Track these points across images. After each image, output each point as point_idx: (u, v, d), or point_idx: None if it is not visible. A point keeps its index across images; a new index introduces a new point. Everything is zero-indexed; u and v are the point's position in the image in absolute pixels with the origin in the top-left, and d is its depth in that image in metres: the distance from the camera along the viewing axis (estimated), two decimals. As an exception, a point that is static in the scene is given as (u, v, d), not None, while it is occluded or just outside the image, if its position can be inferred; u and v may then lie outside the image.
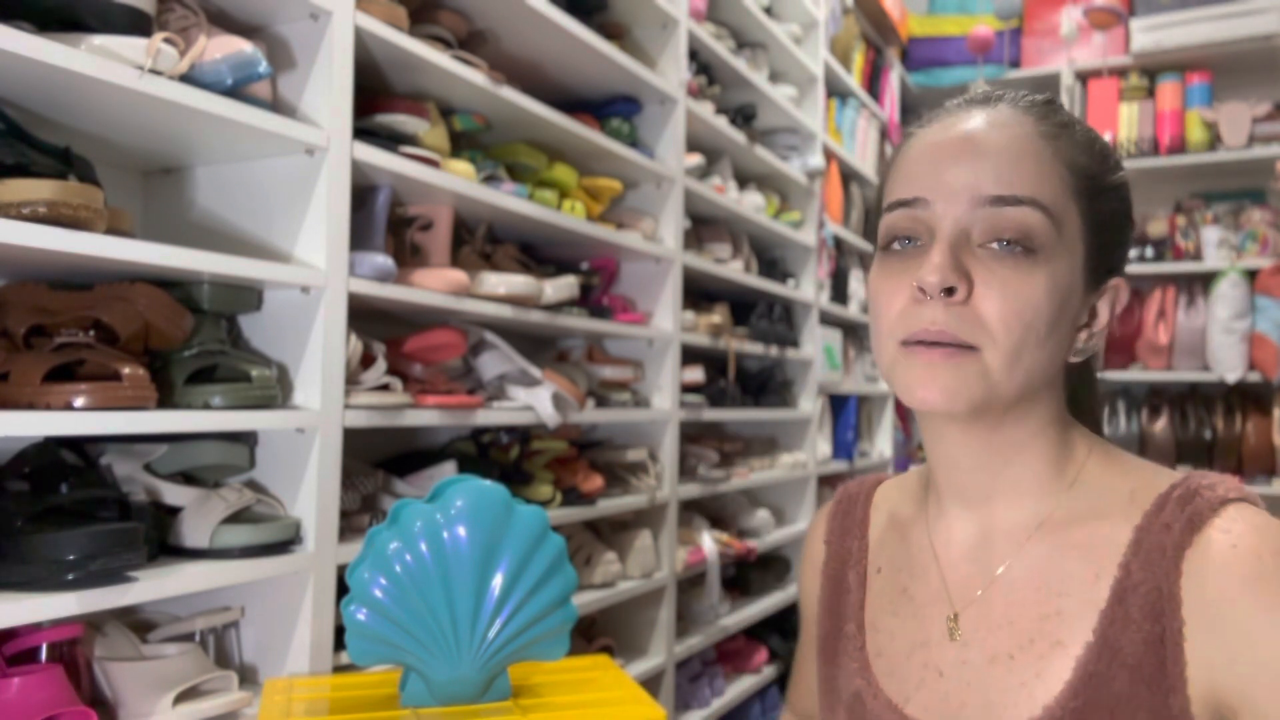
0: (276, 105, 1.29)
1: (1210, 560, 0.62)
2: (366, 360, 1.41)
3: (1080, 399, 0.79)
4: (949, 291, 0.66)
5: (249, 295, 1.30)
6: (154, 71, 1.05)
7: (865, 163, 3.45)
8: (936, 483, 0.77)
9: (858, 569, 0.84)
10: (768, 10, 2.74)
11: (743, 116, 2.52)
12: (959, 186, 0.67)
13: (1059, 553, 0.69)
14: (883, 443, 3.74)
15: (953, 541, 0.76)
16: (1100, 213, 0.70)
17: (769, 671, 2.59)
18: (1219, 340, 3.26)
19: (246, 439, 1.31)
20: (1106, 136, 3.58)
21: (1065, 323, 0.69)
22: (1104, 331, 0.72)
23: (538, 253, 2.04)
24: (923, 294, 0.67)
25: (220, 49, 1.14)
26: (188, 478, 1.26)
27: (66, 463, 1.15)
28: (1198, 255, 3.45)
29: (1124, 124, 3.60)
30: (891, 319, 0.69)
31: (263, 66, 1.16)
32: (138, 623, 1.26)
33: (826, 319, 3.16)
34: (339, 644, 1.28)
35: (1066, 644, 0.66)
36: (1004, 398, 0.68)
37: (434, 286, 1.48)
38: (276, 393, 1.23)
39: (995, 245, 0.66)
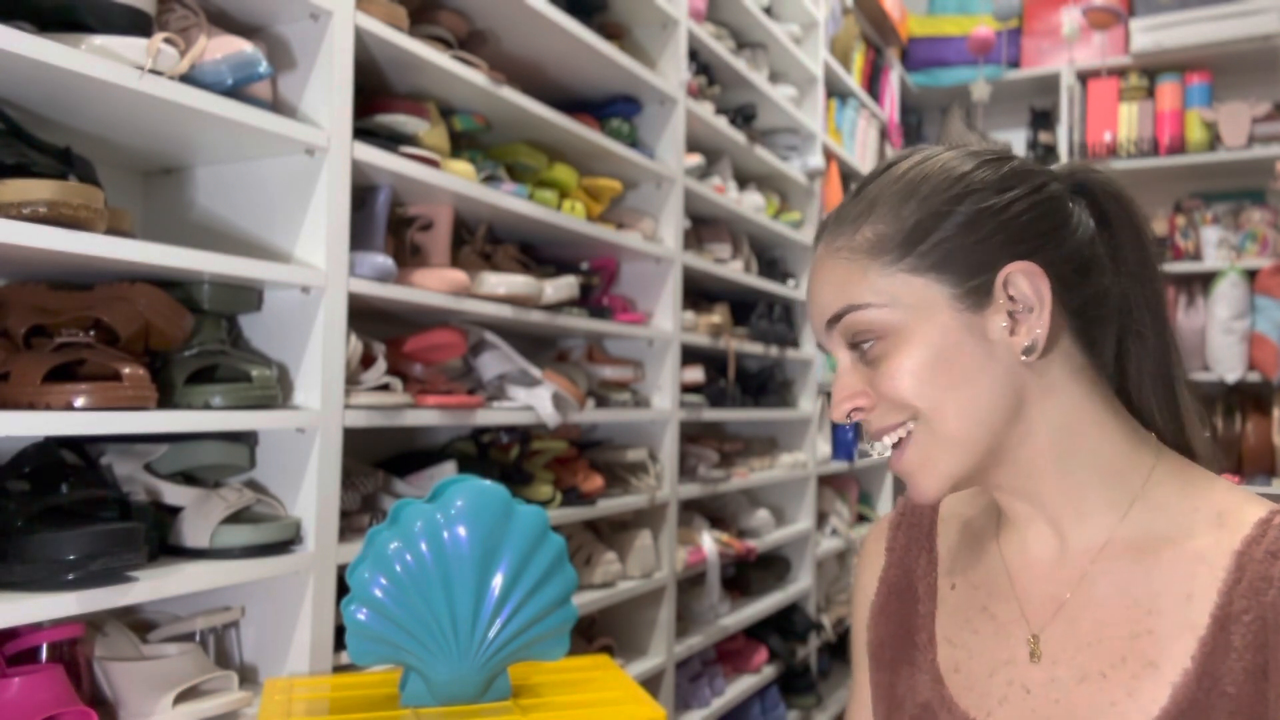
0: (277, 105, 1.29)
1: None
2: (366, 360, 1.41)
3: (1141, 401, 0.76)
4: (857, 410, 0.73)
5: (249, 295, 1.30)
6: (154, 72, 1.05)
7: (865, 163, 3.45)
8: (1004, 505, 0.77)
9: (926, 580, 0.83)
10: (768, 10, 2.74)
11: (743, 117, 2.52)
12: (816, 324, 0.75)
13: (1144, 570, 0.69)
14: (882, 443, 3.73)
15: (1028, 559, 0.75)
16: (935, 248, 0.69)
17: (769, 671, 2.59)
18: (1218, 340, 3.26)
19: (247, 439, 1.31)
20: (1106, 137, 3.61)
21: (969, 357, 0.69)
22: (1042, 313, 0.68)
23: (538, 253, 2.04)
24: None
25: (220, 49, 1.14)
26: (188, 478, 1.26)
27: (66, 463, 1.15)
28: (1197, 255, 3.45)
29: (1124, 124, 3.60)
30: None
31: (263, 67, 1.16)
32: (138, 623, 1.26)
33: (826, 319, 3.16)
34: (339, 644, 1.28)
35: (1160, 665, 0.66)
36: (976, 451, 0.70)
37: (434, 286, 1.49)
38: (277, 393, 1.23)
39: (857, 349, 0.72)
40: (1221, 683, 0.63)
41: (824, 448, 3.09)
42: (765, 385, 2.73)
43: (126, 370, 1.05)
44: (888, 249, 0.70)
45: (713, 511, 2.57)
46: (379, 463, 1.62)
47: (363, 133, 1.37)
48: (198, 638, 1.25)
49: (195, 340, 1.22)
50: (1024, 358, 0.69)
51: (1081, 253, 0.71)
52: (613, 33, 2.03)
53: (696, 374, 2.28)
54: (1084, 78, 3.72)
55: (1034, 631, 0.73)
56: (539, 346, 2.18)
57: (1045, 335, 0.69)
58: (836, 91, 3.27)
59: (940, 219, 0.70)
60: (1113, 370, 0.75)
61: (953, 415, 0.69)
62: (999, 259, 0.69)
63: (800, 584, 2.88)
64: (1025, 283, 0.69)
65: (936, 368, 0.69)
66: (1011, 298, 0.69)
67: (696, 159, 2.24)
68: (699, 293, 2.61)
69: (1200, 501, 0.69)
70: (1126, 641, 0.68)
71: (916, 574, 0.84)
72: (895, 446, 0.72)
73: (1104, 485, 0.71)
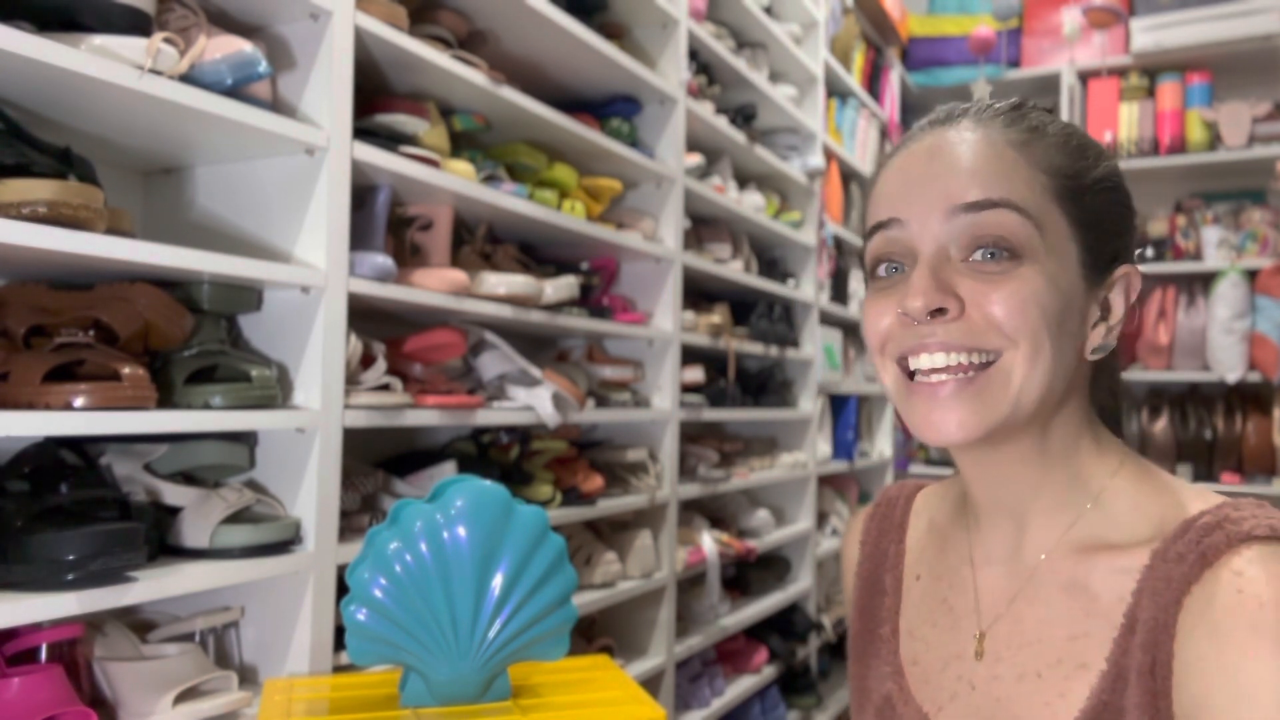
0: (276, 105, 1.29)
1: (1212, 601, 0.59)
2: (366, 360, 1.41)
3: (1101, 400, 0.77)
4: (938, 313, 0.66)
5: (249, 295, 1.30)
6: (154, 71, 1.05)
7: (865, 163, 3.45)
8: (971, 495, 0.76)
9: (894, 573, 0.83)
10: (768, 10, 2.74)
11: (743, 116, 2.52)
12: (931, 200, 0.67)
13: (1085, 572, 0.68)
14: (883, 443, 3.74)
15: (990, 555, 0.75)
16: (1088, 209, 0.68)
17: (769, 671, 2.59)
18: (1219, 340, 3.26)
19: (246, 439, 1.31)
20: (1106, 137, 3.61)
21: (1072, 321, 0.67)
22: (1120, 324, 0.70)
23: (538, 253, 2.04)
24: (910, 320, 0.67)
25: (220, 49, 1.14)
26: (188, 478, 1.26)
27: (66, 463, 1.15)
28: (1198, 255, 3.45)
29: (1124, 124, 3.60)
30: (881, 334, 0.70)
31: (263, 66, 1.16)
32: (138, 623, 1.26)
33: (826, 319, 3.16)
34: (339, 644, 1.28)
35: (1090, 667, 0.66)
36: (1026, 407, 0.66)
37: (434, 286, 1.48)
38: (276, 393, 1.23)
39: (978, 256, 0.65)
40: (1128, 683, 0.63)
41: (824, 448, 3.09)
42: (765, 385, 2.73)
43: (126, 370, 1.05)
44: (1057, 178, 0.67)
45: (713, 511, 2.57)
46: (379, 463, 1.62)
47: (363, 132, 1.37)
48: (198, 638, 1.25)
49: (195, 340, 1.22)
50: (1090, 356, 0.70)
51: None
52: (613, 33, 2.03)
53: (696, 374, 2.28)
54: (1084, 77, 3.72)
55: (982, 627, 0.73)
56: (539, 346, 2.18)
57: (1114, 342, 0.70)
58: (836, 91, 3.27)
59: (1099, 184, 0.69)
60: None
61: (1042, 368, 0.65)
62: (1119, 253, 0.70)
63: (800, 584, 2.88)
64: (1133, 289, 0.70)
65: (1053, 315, 0.65)
66: (1114, 296, 0.70)
67: (696, 159, 2.24)
68: (699, 293, 2.61)
69: (1152, 506, 0.68)
70: (1065, 643, 0.68)
71: (885, 566, 0.85)
72: (955, 371, 0.66)
73: (1069, 485, 0.71)
